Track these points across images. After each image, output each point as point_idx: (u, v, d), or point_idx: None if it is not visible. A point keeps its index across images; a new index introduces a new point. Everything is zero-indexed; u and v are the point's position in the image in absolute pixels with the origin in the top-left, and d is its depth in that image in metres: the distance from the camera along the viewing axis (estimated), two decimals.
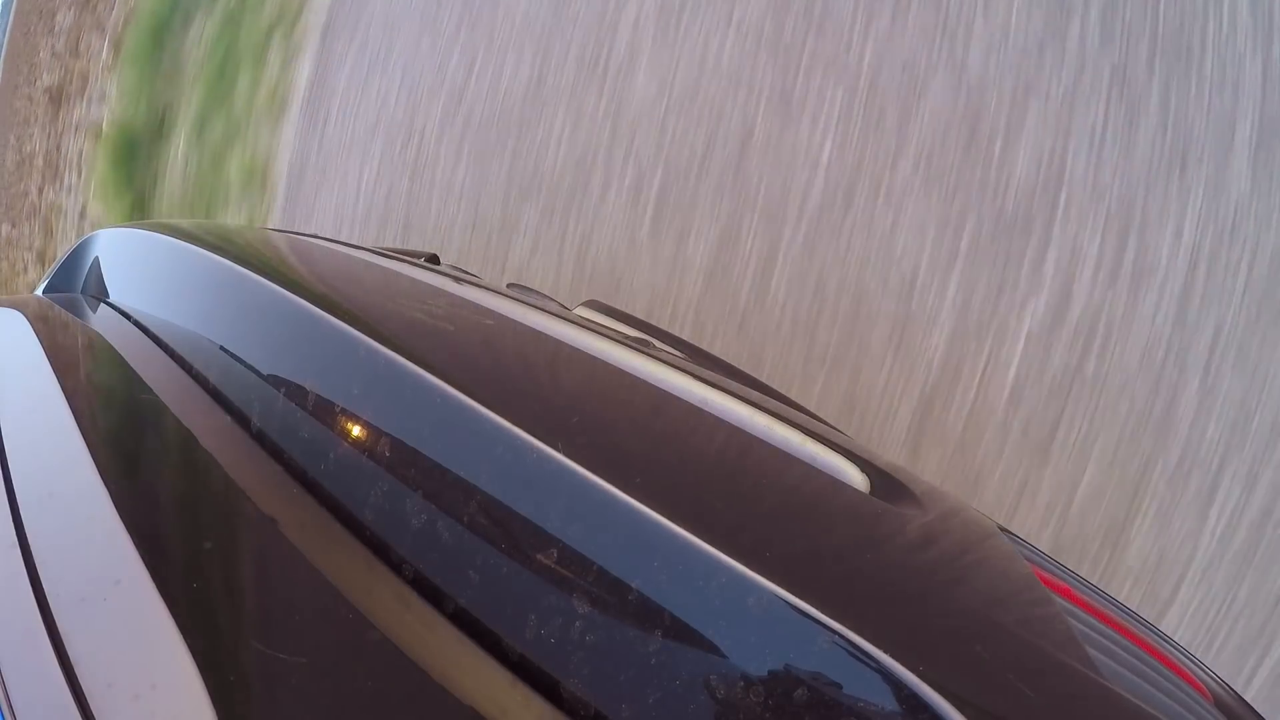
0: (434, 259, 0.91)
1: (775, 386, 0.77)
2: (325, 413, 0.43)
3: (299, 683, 0.31)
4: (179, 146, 3.42)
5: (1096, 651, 0.40)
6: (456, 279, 0.64)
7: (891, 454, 1.35)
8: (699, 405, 0.48)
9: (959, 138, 1.34)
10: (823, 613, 0.30)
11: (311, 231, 0.94)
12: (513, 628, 0.34)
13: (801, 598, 0.31)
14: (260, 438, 0.45)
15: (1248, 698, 0.51)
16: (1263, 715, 0.49)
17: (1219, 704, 0.46)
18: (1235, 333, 1.12)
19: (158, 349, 0.57)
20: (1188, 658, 0.51)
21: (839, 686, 0.30)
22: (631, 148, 1.75)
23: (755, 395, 0.56)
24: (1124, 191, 1.20)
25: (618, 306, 0.85)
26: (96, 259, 0.80)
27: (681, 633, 0.32)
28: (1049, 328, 1.24)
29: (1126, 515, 1.17)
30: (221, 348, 0.52)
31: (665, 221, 1.64)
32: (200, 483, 0.43)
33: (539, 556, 0.35)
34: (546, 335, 0.54)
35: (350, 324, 0.46)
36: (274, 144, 2.85)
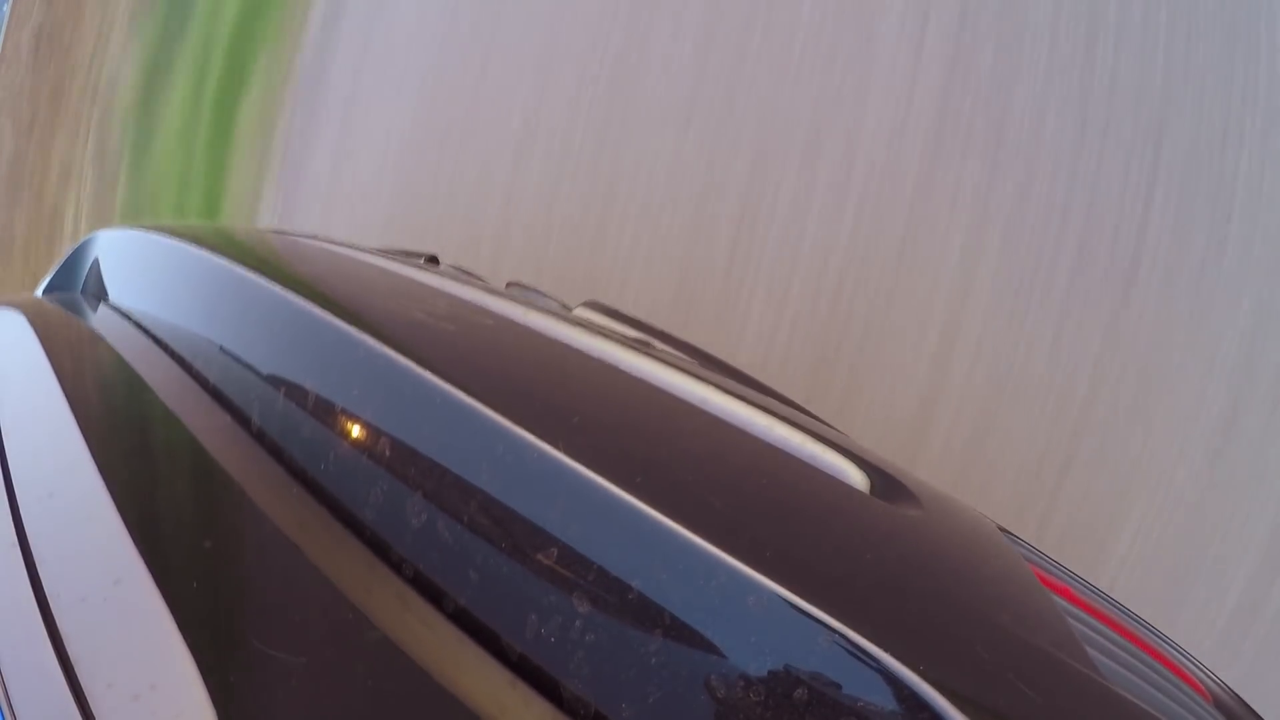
0: (434, 259, 0.91)
1: (776, 387, 0.77)
2: (325, 412, 0.43)
3: (299, 683, 0.31)
4: None
5: (1096, 652, 0.40)
6: (456, 279, 0.64)
7: None
8: (699, 405, 0.48)
9: None
10: (823, 612, 0.30)
11: (311, 232, 0.95)
12: (513, 628, 0.34)
13: (801, 597, 0.31)
14: (260, 437, 0.45)
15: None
16: (1261, 716, 0.49)
17: (1218, 704, 0.46)
18: None
19: (158, 349, 0.57)
20: (1187, 658, 0.51)
21: (839, 686, 0.30)
22: None
23: (755, 395, 0.56)
24: None
25: (618, 307, 0.85)
26: (96, 260, 0.80)
27: (681, 633, 0.32)
28: None
29: None
30: (221, 348, 0.52)
31: None
32: (200, 483, 0.44)
33: (539, 556, 0.35)
34: (547, 335, 0.54)
35: (350, 324, 0.46)
36: None
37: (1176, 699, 0.42)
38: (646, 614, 0.32)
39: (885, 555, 0.39)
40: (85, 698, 0.28)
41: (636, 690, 0.31)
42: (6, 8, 3.78)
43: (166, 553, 0.36)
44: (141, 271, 0.74)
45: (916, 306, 1.31)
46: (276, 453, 0.43)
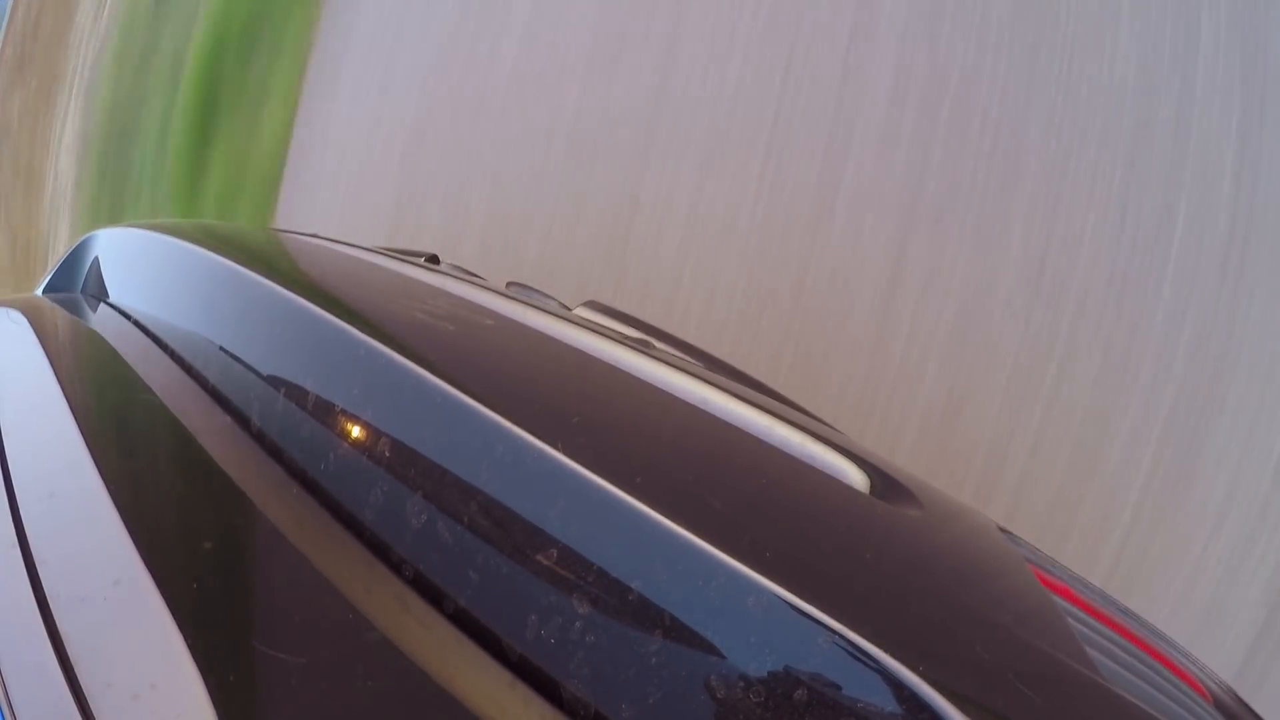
0: (434, 259, 0.91)
1: (776, 388, 0.77)
2: (325, 413, 0.43)
3: (299, 683, 0.31)
4: None
5: (1096, 652, 0.40)
6: (457, 279, 0.64)
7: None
8: (699, 405, 0.48)
9: None
10: (823, 612, 0.30)
11: (312, 231, 0.95)
12: (513, 628, 0.34)
13: (801, 598, 0.31)
14: (260, 438, 0.45)
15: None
16: (1261, 716, 0.49)
17: (1218, 705, 0.46)
18: None
19: (158, 349, 0.57)
20: (1187, 659, 0.51)
21: (839, 686, 0.30)
22: None
23: (756, 396, 0.56)
24: None
25: (618, 307, 0.85)
26: (96, 259, 0.80)
27: (681, 633, 0.32)
28: None
29: None
30: (221, 348, 0.52)
31: None
32: (200, 483, 0.43)
33: (539, 556, 0.35)
34: (547, 335, 0.54)
35: (350, 324, 0.46)
36: None
37: (1176, 699, 0.42)
38: (646, 615, 0.32)
39: (885, 556, 0.39)
40: (85, 698, 0.28)
41: (636, 691, 0.31)
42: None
43: (166, 553, 0.36)
44: (141, 271, 0.74)
45: None
46: (276, 453, 0.43)
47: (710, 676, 0.31)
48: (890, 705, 0.29)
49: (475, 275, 0.78)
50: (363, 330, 0.45)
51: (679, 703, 0.31)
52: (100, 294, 0.75)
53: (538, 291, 0.89)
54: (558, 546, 0.34)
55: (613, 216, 1.77)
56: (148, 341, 0.58)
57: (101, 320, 0.68)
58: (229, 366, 0.50)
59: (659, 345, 0.75)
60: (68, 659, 0.29)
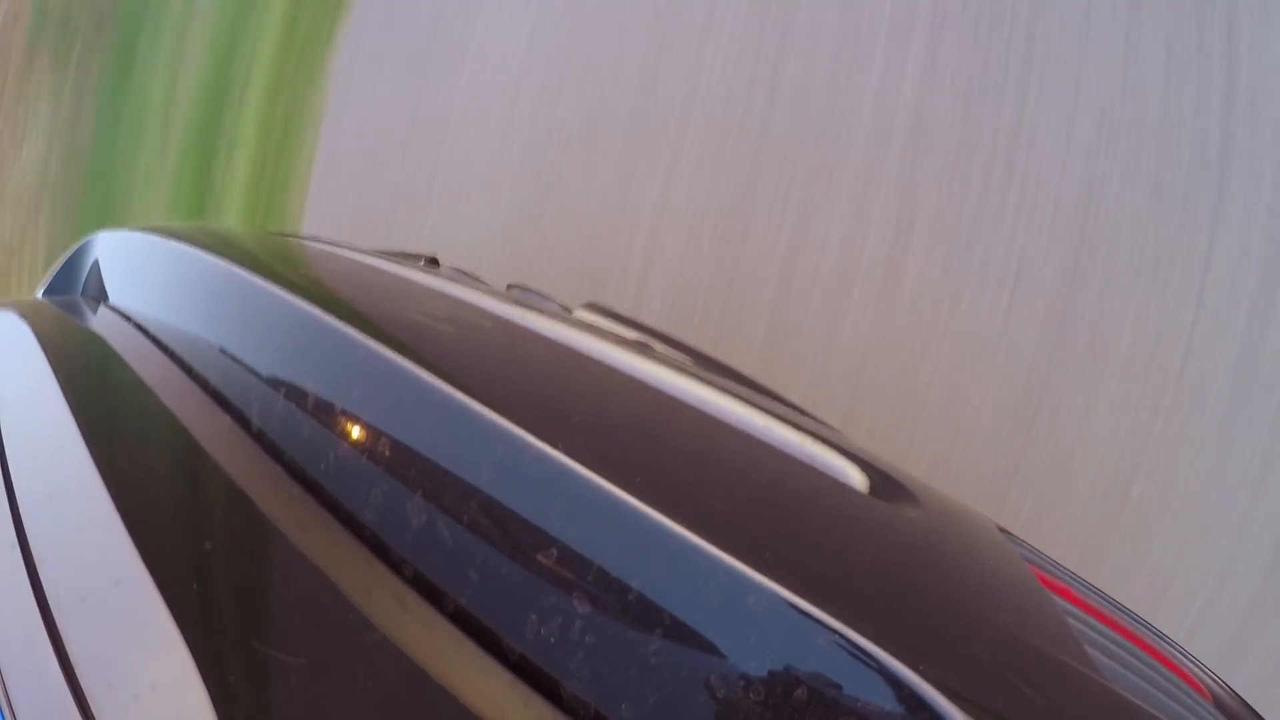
0: (434, 261, 0.91)
1: (775, 389, 0.77)
2: (325, 414, 0.43)
3: (299, 683, 0.31)
4: None
5: (1096, 651, 0.40)
6: (457, 280, 0.64)
7: None
8: (699, 406, 0.48)
9: None
10: (823, 612, 0.30)
11: (312, 234, 0.95)
12: (513, 628, 0.34)
13: (801, 597, 0.31)
14: (260, 438, 0.45)
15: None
16: (1261, 715, 0.49)
17: (1218, 704, 0.46)
18: None
19: (158, 351, 0.57)
20: (1187, 658, 0.51)
21: (839, 686, 0.30)
22: None
23: (755, 396, 0.56)
24: None
25: (618, 309, 0.86)
26: (96, 261, 0.80)
27: (681, 633, 0.32)
28: None
29: None
30: (222, 349, 0.52)
31: None
32: (200, 483, 0.44)
33: (539, 556, 0.35)
34: (546, 336, 0.54)
35: (351, 326, 0.46)
36: None
37: (1176, 699, 0.42)
38: (646, 614, 0.32)
39: (885, 555, 0.39)
40: (85, 698, 0.28)
41: (636, 690, 0.31)
42: None
43: (166, 553, 0.36)
44: (141, 273, 0.74)
45: None
46: (276, 454, 0.44)
47: (710, 676, 0.31)
48: (890, 704, 0.29)
49: (475, 277, 0.79)
50: (363, 332, 0.45)
51: (679, 702, 0.31)
52: (100, 296, 0.75)
53: (537, 293, 0.90)
54: (558, 546, 0.34)
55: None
56: (148, 343, 0.59)
57: (102, 322, 0.68)
58: (229, 368, 0.50)
59: (658, 347, 0.75)
60: (68, 659, 0.29)
